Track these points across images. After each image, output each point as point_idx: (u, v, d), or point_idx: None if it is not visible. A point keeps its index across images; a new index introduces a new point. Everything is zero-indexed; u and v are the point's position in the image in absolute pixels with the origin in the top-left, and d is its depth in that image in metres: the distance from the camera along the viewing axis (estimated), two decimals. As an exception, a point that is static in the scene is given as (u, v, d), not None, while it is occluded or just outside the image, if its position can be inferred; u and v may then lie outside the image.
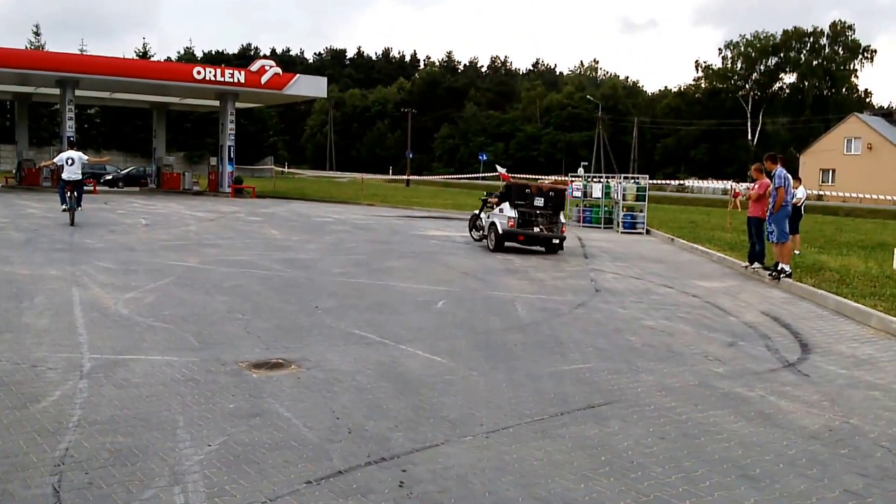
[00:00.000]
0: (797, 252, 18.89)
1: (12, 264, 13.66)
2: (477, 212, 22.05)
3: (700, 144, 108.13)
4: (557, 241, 19.59)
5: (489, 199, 21.39)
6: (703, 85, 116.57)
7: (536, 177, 55.65)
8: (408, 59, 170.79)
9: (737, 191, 57.12)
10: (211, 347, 8.34)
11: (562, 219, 19.90)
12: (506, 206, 19.49)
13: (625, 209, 28.60)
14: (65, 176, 21.45)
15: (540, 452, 5.64)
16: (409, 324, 10.11)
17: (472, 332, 9.74)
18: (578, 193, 31.41)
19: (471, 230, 22.17)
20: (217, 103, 47.53)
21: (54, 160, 22.96)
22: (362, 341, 8.96)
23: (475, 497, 4.84)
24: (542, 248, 19.80)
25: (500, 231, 19.24)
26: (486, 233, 20.42)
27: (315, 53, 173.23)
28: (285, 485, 4.88)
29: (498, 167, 28.88)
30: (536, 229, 19.39)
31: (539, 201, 19.69)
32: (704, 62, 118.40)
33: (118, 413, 6.08)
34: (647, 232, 27.83)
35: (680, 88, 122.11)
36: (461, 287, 13.34)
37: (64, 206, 21.40)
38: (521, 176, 48.76)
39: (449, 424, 6.16)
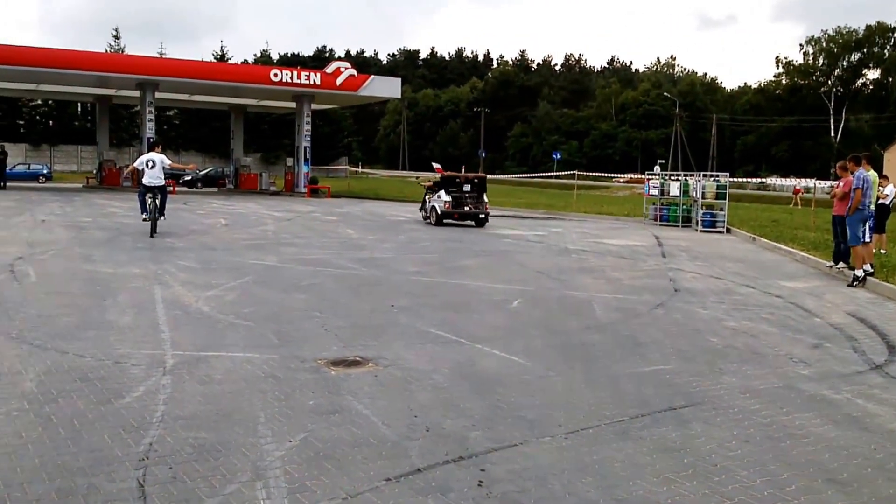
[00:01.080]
0: (883, 251, 18.45)
1: (95, 263, 13.97)
2: (425, 198, 27.06)
3: (782, 141, 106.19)
4: (483, 216, 25.56)
5: (426, 185, 27.57)
6: (784, 81, 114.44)
7: (610, 175, 55.31)
8: (481, 58, 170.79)
9: (797, 187, 56.49)
10: (290, 345, 8.43)
11: (485, 199, 25.80)
12: (442, 192, 25.52)
13: (704, 207, 28.21)
14: (145, 181, 19.04)
15: (620, 454, 5.57)
16: (484, 323, 10.10)
17: (549, 332, 9.69)
18: (655, 191, 31.07)
19: (421, 211, 27.78)
20: (293, 105, 48.03)
21: (135, 164, 20.31)
22: (438, 340, 8.98)
23: (555, 498, 4.80)
24: (473, 223, 25.53)
25: (440, 212, 25.36)
26: (428, 213, 26.36)
27: (389, 54, 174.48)
28: (365, 482, 4.90)
29: (434, 164, 37.44)
30: (466, 208, 25.39)
31: (467, 187, 25.80)
32: (785, 58, 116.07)
33: (201, 409, 6.17)
34: (728, 230, 27.38)
35: (760, 85, 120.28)
36: (536, 286, 13.29)
37: (144, 216, 18.97)
38: (596, 174, 48.99)
39: (527, 424, 6.13)
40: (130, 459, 5.12)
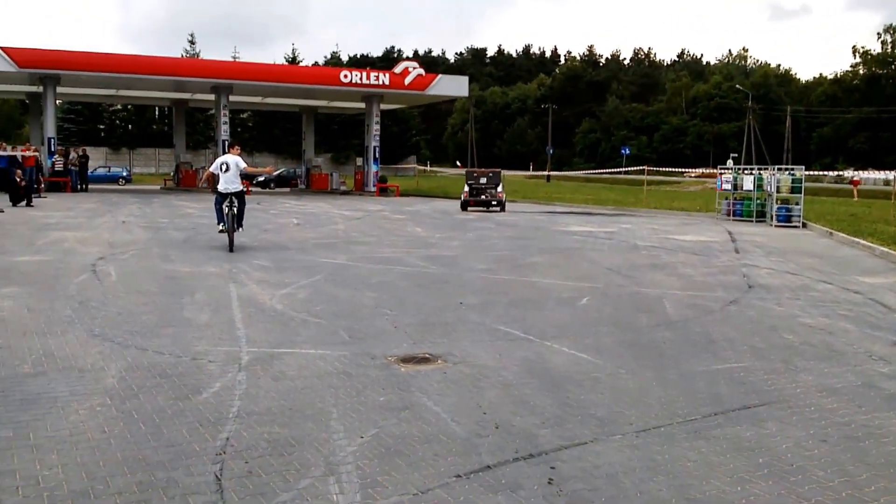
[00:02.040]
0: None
1: (173, 262, 14.28)
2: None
3: (859, 133, 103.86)
4: (495, 203, 31.99)
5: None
6: (861, 71, 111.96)
7: (681, 170, 54.77)
8: (548, 54, 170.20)
9: (855, 179, 55.37)
10: (361, 342, 8.54)
11: (500, 189, 32.17)
12: (466, 186, 32.77)
13: (779, 202, 27.68)
14: (220, 187, 16.69)
15: (693, 453, 5.53)
16: (553, 320, 10.09)
17: (619, 329, 9.65)
18: (728, 186, 30.63)
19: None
20: (363, 105, 48.38)
21: (210, 169, 17.92)
22: (507, 337, 9.01)
23: (626, 497, 4.79)
24: (486, 209, 31.95)
25: (462, 200, 32.65)
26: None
27: (456, 53, 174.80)
28: (435, 478, 4.96)
29: (457, 162, 46.22)
30: (482, 196, 32.18)
31: (483, 180, 32.70)
32: (862, 47, 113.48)
33: (275, 404, 6.30)
34: (804, 225, 26.84)
35: (836, 75, 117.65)
36: (606, 283, 13.23)
37: (221, 226, 16.64)
38: (666, 169, 48.77)
39: (597, 422, 6.13)
40: (208, 454, 5.25)
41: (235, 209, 16.48)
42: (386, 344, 8.48)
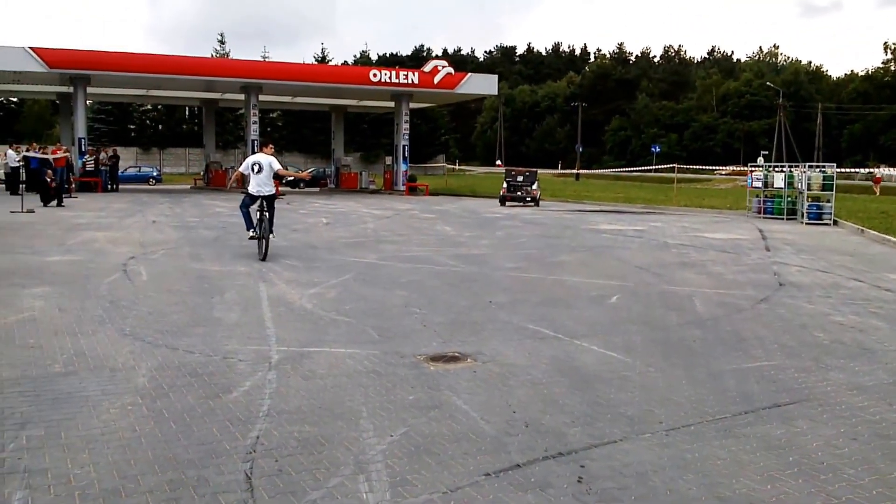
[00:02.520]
0: None
1: (203, 261, 14.37)
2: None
3: (891, 130, 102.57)
4: (529, 199, 35.21)
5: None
6: (892, 67, 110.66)
7: (711, 167, 54.55)
8: (578, 52, 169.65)
9: (877, 175, 54.97)
10: (390, 341, 8.56)
11: (535, 187, 35.76)
12: (504, 182, 36.26)
13: (810, 199, 27.46)
14: (251, 189, 15.31)
15: (723, 452, 5.51)
16: (582, 318, 10.07)
17: (648, 328, 9.62)
18: (758, 183, 30.45)
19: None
20: (392, 104, 48.48)
21: (240, 168, 16.44)
22: (536, 336, 9.00)
23: (656, 495, 4.78)
24: (522, 204, 35.06)
25: (501, 195, 35.60)
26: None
27: (485, 51, 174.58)
28: (465, 476, 4.97)
29: (497, 161, 51.76)
30: (518, 193, 35.47)
31: (519, 178, 36.38)
32: (894, 44, 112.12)
33: (305, 403, 6.32)
34: (834, 223, 26.59)
35: (867, 72, 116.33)
36: (635, 281, 13.18)
37: (251, 233, 15.19)
38: (696, 167, 48.73)
39: (627, 421, 6.11)
40: (238, 452, 5.28)
41: (267, 214, 15.00)
42: (415, 343, 8.50)
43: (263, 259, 14.56)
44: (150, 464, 5.03)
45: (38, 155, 32.39)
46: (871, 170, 67.16)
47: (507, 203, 35.01)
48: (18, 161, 33.20)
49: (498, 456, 5.32)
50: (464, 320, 9.73)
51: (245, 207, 15.38)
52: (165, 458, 5.14)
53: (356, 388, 6.75)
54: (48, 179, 28.13)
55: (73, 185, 35.57)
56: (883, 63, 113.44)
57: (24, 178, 29.89)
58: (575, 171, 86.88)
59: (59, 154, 33.54)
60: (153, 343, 8.20)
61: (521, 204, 35.04)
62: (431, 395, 6.62)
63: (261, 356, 7.77)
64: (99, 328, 8.86)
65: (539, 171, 40.44)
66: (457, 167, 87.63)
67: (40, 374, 7.01)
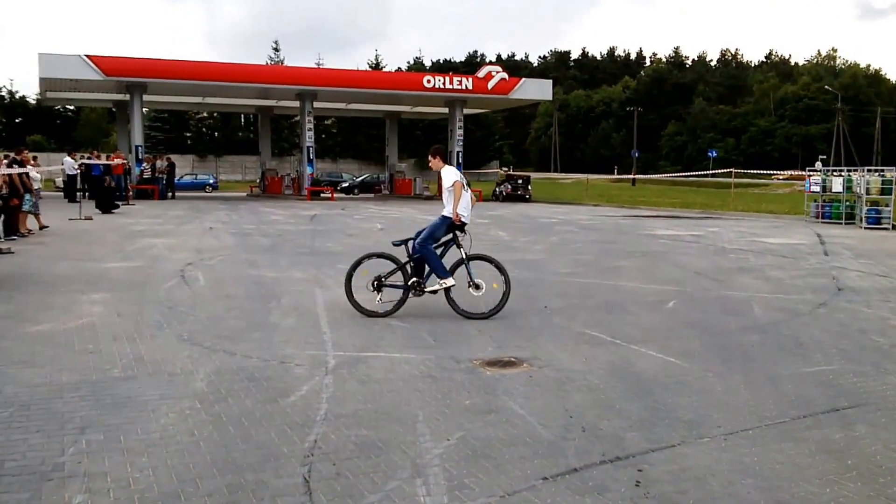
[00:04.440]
0: None
1: (260, 268, 14.49)
2: (498, 187, 48.53)
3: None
4: (526, 196, 46.52)
5: (500, 179, 48.63)
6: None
7: (769, 172, 53.96)
8: (633, 56, 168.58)
9: None
10: (445, 346, 8.56)
11: (529, 188, 47.74)
12: (504, 184, 47.71)
13: (868, 203, 27.08)
14: (461, 211, 10.46)
15: (782, 456, 5.44)
16: (639, 324, 9.99)
17: (706, 333, 9.52)
18: (817, 188, 30.06)
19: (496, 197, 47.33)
20: (446, 110, 48.62)
21: (460, 178, 10.64)
22: (593, 341, 8.94)
23: (714, 499, 4.73)
24: (521, 200, 45.48)
25: (505, 194, 46.59)
26: (498, 194, 47.27)
27: (540, 57, 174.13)
28: (522, 480, 4.94)
29: (502, 167, 52.37)
30: (518, 192, 46.53)
31: (519, 181, 48.26)
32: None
33: (361, 407, 6.34)
34: (894, 227, 26.20)
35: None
36: (693, 287, 13.05)
37: (448, 281, 10.28)
38: (754, 172, 48.39)
39: (685, 425, 6.05)
40: (296, 456, 5.30)
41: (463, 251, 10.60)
42: (471, 347, 8.48)
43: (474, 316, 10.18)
44: (208, 467, 5.07)
45: (100, 162, 32.91)
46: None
47: (507, 200, 46.02)
48: (76, 169, 33.79)
49: (555, 460, 5.29)
50: (519, 325, 9.70)
51: (435, 238, 10.55)
52: (224, 461, 5.17)
53: (412, 393, 6.75)
54: (106, 179, 28.63)
55: (131, 193, 36.11)
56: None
57: (82, 186, 30.44)
58: (631, 176, 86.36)
59: (117, 161, 34.07)
60: (211, 348, 8.28)
61: (520, 201, 45.94)
62: (487, 400, 6.60)
63: (317, 361, 7.80)
64: (157, 333, 8.96)
65: (594, 176, 40.78)
66: (511, 173, 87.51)
67: (99, 378, 7.10)
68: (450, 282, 10.29)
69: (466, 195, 10.68)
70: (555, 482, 4.93)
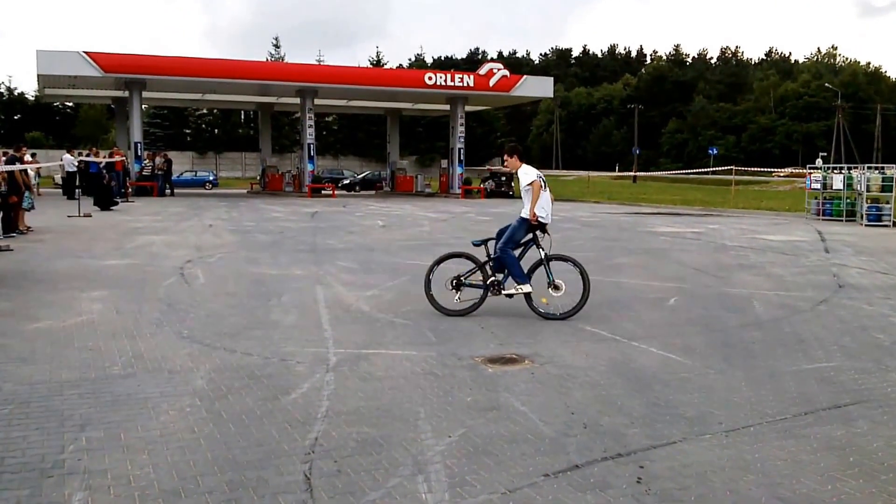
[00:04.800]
0: None
1: (260, 265, 14.47)
2: (484, 184, 48.74)
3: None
4: (510, 193, 44.63)
5: (485, 176, 50.72)
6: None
7: (769, 169, 53.98)
8: (634, 54, 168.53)
9: None
10: (447, 342, 8.54)
11: (513, 184, 43.97)
12: (489, 180, 48.45)
13: (869, 201, 27.07)
14: (539, 213, 10.19)
15: (783, 452, 5.43)
16: (640, 320, 9.98)
17: (707, 330, 9.51)
18: (817, 185, 30.04)
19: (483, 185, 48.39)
20: (447, 107, 48.58)
21: (538, 177, 10.33)
22: (594, 338, 8.93)
23: (716, 495, 4.71)
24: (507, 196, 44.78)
25: (489, 189, 47.28)
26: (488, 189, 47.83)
27: (541, 54, 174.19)
28: (524, 477, 4.93)
29: (487, 165, 55.18)
30: (502, 189, 46.67)
31: (503, 178, 47.18)
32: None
33: (363, 404, 6.32)
34: (895, 224, 26.20)
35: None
36: (694, 284, 13.04)
37: (525, 287, 10.17)
38: (754, 169, 48.34)
39: (686, 422, 6.03)
40: (297, 453, 5.28)
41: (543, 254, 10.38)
42: (472, 344, 8.47)
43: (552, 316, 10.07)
44: (209, 465, 5.06)
45: (98, 159, 32.86)
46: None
47: (490, 196, 46.15)
48: (75, 166, 33.75)
49: (557, 457, 5.28)
50: (521, 322, 9.68)
51: (515, 241, 10.36)
52: (224, 459, 5.16)
53: (414, 390, 6.74)
54: (105, 175, 28.65)
55: (130, 190, 36.05)
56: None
57: (81, 183, 30.40)
58: (632, 173, 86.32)
59: (116, 158, 34.03)
60: (211, 345, 8.26)
61: (505, 197, 45.58)
62: (489, 397, 6.58)
63: (318, 358, 7.79)
64: (157, 331, 8.94)
65: (595, 173, 40.69)
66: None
67: (99, 375, 7.08)
68: (527, 288, 10.15)
69: (545, 194, 10.36)
70: (556, 479, 4.92)
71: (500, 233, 10.49)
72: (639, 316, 10.29)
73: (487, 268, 10.31)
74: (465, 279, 10.27)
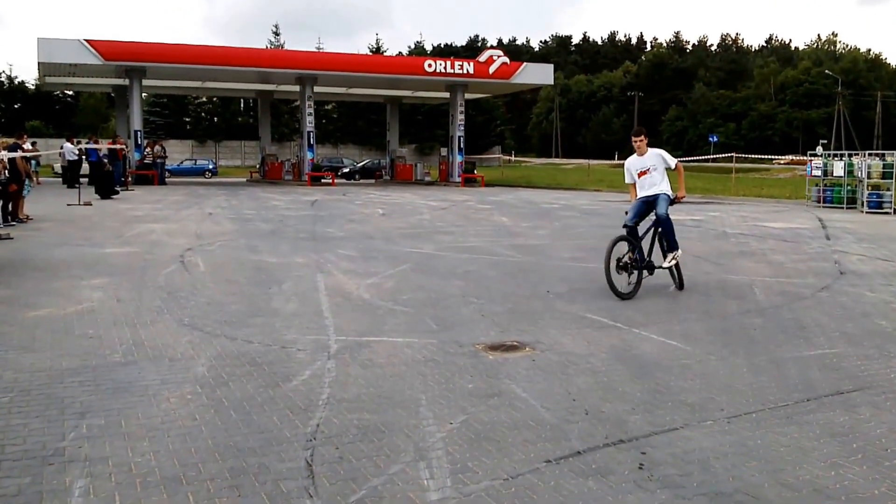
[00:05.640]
0: None
1: (261, 253, 14.46)
2: None
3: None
4: (476, 181, 44.42)
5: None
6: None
7: (770, 157, 53.79)
8: (634, 41, 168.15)
9: None
10: (448, 330, 8.53)
11: (475, 171, 45.51)
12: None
13: (870, 188, 27.06)
14: (641, 190, 11.43)
15: (786, 438, 5.42)
16: (641, 307, 9.96)
17: (708, 317, 9.50)
18: (818, 172, 30.02)
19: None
20: (447, 95, 48.51)
21: (628, 166, 11.79)
22: (595, 325, 8.92)
23: (718, 481, 4.70)
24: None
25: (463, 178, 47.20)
26: None
27: (541, 41, 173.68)
28: (526, 463, 4.92)
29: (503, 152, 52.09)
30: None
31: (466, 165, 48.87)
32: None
33: (364, 391, 6.32)
34: (895, 211, 26.20)
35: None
36: (695, 271, 13.01)
37: (678, 253, 11.10)
38: (755, 156, 48.10)
39: (688, 408, 6.03)
40: (298, 440, 5.28)
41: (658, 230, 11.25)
42: (473, 332, 8.46)
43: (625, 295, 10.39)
44: (210, 452, 5.05)
45: (102, 146, 32.79)
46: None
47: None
48: (76, 154, 33.69)
49: (558, 443, 5.27)
50: (522, 310, 9.67)
51: (632, 220, 11.24)
52: (226, 446, 5.15)
53: (415, 377, 6.73)
54: (105, 163, 28.63)
55: (130, 178, 36.00)
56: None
57: (83, 171, 30.43)
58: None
59: (117, 146, 33.99)
60: (212, 333, 8.25)
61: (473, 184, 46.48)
62: (490, 384, 6.58)
63: (319, 345, 7.78)
64: (157, 318, 8.93)
65: (595, 161, 40.33)
66: (512, 158, 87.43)
67: (100, 363, 7.07)
68: (679, 252, 11.07)
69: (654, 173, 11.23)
70: (558, 465, 4.91)
71: (634, 217, 11.20)
72: (639, 303, 10.27)
73: (643, 249, 10.97)
74: (630, 262, 10.61)
